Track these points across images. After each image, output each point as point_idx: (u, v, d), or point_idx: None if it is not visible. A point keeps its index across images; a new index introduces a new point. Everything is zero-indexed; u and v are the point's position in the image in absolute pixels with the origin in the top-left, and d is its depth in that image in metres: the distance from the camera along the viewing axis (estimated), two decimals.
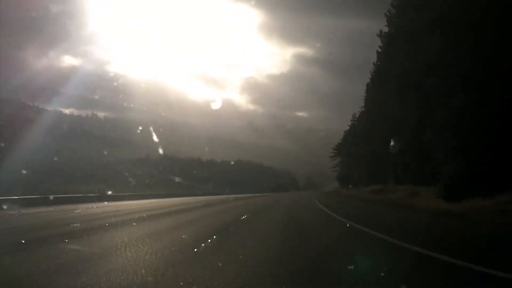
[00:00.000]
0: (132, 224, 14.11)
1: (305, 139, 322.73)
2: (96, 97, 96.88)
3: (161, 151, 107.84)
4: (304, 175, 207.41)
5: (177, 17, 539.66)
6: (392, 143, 29.53)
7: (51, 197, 34.94)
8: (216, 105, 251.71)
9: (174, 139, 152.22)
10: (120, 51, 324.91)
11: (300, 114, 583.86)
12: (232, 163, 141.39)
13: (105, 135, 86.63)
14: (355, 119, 61.24)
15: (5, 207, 26.31)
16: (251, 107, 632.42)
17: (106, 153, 77.01)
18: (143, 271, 5.89)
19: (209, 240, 9.13)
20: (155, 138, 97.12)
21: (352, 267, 6.13)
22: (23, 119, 61.90)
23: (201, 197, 54.32)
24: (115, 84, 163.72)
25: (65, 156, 66.42)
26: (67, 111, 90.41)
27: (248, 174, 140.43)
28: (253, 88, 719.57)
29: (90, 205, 30.08)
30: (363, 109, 50.55)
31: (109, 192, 45.17)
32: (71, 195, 42.16)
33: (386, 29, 35.43)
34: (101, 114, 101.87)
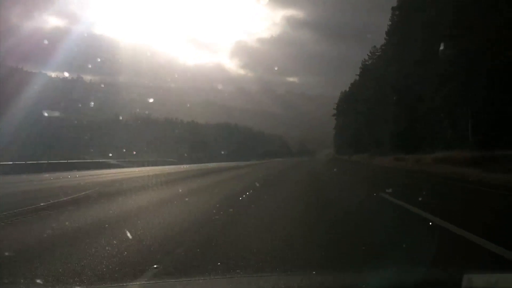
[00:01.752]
0: None
1: (297, 105, 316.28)
2: (83, 60, 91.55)
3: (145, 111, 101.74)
4: (296, 141, 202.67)
5: None
6: None
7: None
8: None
9: (162, 102, 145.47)
10: (108, 14, 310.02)
11: (291, 79, 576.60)
12: (216, 125, 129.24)
13: (90, 99, 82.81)
14: (366, 65, 53.09)
15: None
16: (241, 71, 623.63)
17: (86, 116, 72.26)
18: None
19: None
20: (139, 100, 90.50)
21: None
22: (9, 82, 58.23)
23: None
24: (102, 47, 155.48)
25: (52, 120, 62.79)
26: (53, 74, 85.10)
27: (236, 138, 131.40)
28: (243, 52, 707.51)
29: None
30: (380, 51, 42.64)
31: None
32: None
33: None
34: (87, 78, 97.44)
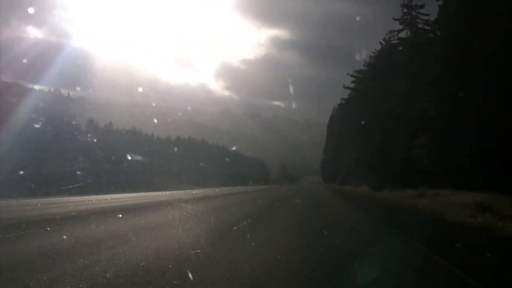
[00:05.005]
0: None
1: (282, 130, 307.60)
2: (62, 73, 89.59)
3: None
4: (279, 166, 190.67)
5: None
6: None
7: None
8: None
9: (136, 118, 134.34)
10: (90, 29, 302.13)
11: (277, 103, 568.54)
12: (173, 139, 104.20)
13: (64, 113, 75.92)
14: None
15: None
16: (226, 93, 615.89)
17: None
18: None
19: None
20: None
21: None
22: None
23: None
24: (83, 62, 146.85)
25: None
26: (31, 86, 79.89)
27: (201, 157, 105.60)
28: (228, 73, 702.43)
29: None
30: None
31: None
32: None
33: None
34: (64, 91, 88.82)
